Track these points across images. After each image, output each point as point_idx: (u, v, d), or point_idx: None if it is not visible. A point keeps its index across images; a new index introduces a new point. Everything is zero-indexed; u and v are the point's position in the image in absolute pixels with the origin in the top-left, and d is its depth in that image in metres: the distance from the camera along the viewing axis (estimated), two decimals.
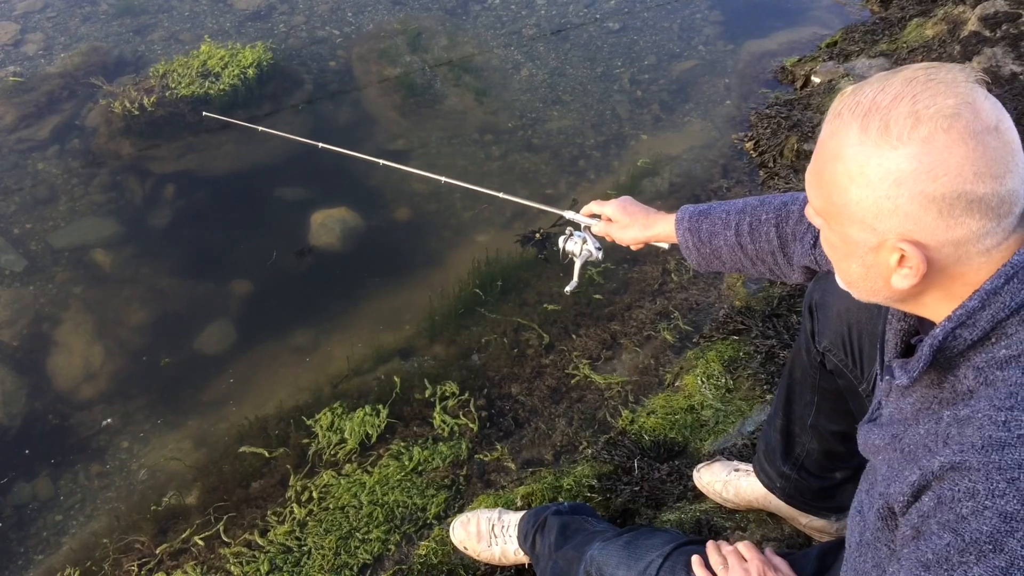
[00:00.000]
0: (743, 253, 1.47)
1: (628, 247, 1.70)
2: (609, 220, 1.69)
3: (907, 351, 1.06)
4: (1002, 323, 0.89)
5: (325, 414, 2.75)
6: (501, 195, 1.97)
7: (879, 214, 0.89)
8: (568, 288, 1.78)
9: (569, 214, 1.79)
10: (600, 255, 1.75)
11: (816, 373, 1.62)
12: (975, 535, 0.80)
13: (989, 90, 0.88)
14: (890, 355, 1.06)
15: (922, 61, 3.66)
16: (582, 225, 1.76)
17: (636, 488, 2.26)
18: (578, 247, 1.76)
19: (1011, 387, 0.85)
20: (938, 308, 0.94)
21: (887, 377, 1.04)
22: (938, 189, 0.85)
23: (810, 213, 1.03)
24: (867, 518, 1.01)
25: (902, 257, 0.90)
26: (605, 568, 1.55)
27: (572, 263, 1.79)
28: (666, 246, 1.64)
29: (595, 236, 1.75)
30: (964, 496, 0.82)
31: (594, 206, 1.72)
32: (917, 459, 0.93)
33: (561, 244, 1.80)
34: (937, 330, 0.92)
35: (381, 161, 2.24)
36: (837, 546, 1.37)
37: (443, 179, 2.08)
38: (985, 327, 0.89)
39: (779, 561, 1.41)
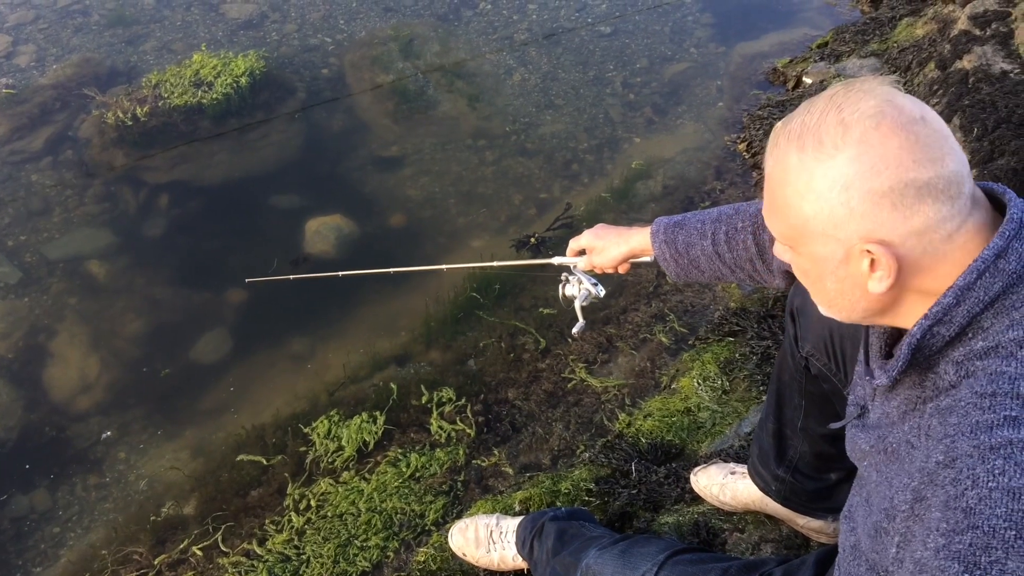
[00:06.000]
0: (721, 262, 1.47)
1: (617, 272, 1.69)
2: (590, 251, 1.68)
3: (891, 355, 1.06)
4: (977, 317, 0.89)
5: (322, 422, 2.75)
6: (496, 264, 2.02)
7: (837, 222, 0.90)
8: (575, 329, 1.77)
9: (557, 260, 1.79)
10: (599, 291, 1.73)
11: (802, 377, 1.62)
12: (992, 523, 0.76)
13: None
14: (874, 358, 1.06)
15: (913, 61, 3.63)
16: (572, 267, 1.76)
17: (634, 491, 2.27)
18: (576, 289, 1.76)
19: (991, 375, 0.85)
20: (917, 313, 0.94)
21: (867, 378, 1.04)
22: (884, 183, 0.86)
23: (779, 250, 1.05)
24: (862, 526, 1.01)
25: (872, 261, 0.90)
26: None
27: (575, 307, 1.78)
28: (649, 259, 1.62)
29: (586, 273, 1.75)
30: (967, 487, 0.80)
31: (572, 244, 1.72)
32: (901, 458, 0.93)
33: (560, 293, 1.79)
34: (915, 328, 0.92)
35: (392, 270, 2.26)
36: (833, 551, 1.37)
37: (445, 267, 2.17)
38: (961, 322, 0.90)
39: None
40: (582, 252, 1.71)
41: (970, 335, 0.90)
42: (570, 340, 2.97)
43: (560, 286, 1.80)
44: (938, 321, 0.91)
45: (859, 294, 0.95)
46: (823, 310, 1.04)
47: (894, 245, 0.89)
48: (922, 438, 0.90)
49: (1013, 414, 0.81)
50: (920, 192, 0.86)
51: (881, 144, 0.86)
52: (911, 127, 0.87)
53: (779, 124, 0.96)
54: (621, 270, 1.68)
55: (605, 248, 1.64)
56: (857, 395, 1.16)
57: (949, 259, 0.89)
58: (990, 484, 0.78)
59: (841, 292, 0.97)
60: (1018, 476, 0.77)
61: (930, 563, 0.80)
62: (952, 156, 0.87)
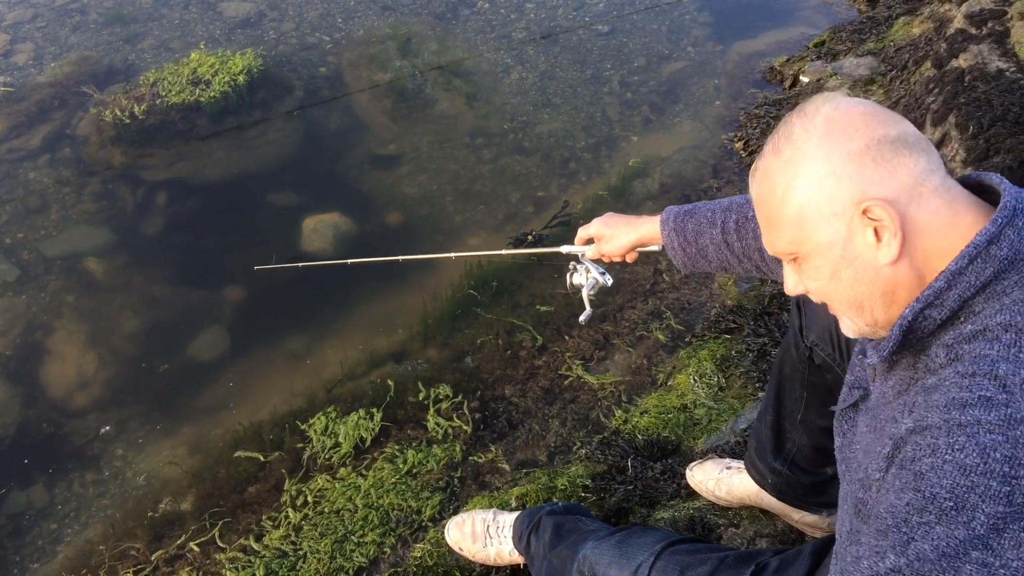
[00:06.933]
0: (729, 251, 1.48)
1: (624, 261, 1.69)
2: (599, 239, 1.69)
3: None
4: (968, 302, 0.91)
5: (319, 418, 2.76)
6: (505, 252, 2.17)
7: (829, 195, 0.95)
8: (582, 318, 1.78)
9: (565, 248, 1.79)
10: (607, 279, 1.73)
11: (805, 368, 1.63)
12: (935, 490, 0.80)
13: None
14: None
15: (909, 59, 3.64)
16: (580, 255, 1.76)
17: (630, 487, 2.27)
18: (583, 278, 1.76)
19: (975, 357, 0.87)
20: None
21: (860, 356, 1.06)
22: (859, 143, 0.94)
23: (791, 283, 1.08)
24: (848, 503, 1.02)
25: (876, 230, 0.93)
26: (598, 567, 1.56)
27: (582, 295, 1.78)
28: (657, 248, 1.63)
29: (594, 262, 1.75)
30: (925, 454, 0.83)
31: (581, 232, 1.72)
32: (885, 432, 0.94)
33: (568, 282, 1.80)
34: (906, 310, 0.94)
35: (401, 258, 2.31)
36: (830, 543, 1.37)
37: (454, 255, 2.21)
38: (952, 306, 0.92)
39: None
40: (590, 241, 1.72)
41: (961, 319, 0.92)
42: (566, 338, 2.97)
43: (568, 275, 1.80)
44: (929, 304, 0.93)
45: (872, 273, 0.96)
46: (852, 322, 1.03)
47: (888, 201, 0.92)
48: (906, 414, 0.92)
49: (988, 395, 0.83)
50: (895, 145, 0.93)
51: (844, 116, 0.96)
52: (864, 103, 0.98)
53: (753, 165, 1.05)
54: (629, 259, 1.68)
55: (614, 236, 1.65)
56: (856, 376, 1.17)
57: (946, 221, 0.92)
58: (946, 456, 0.81)
59: (857, 277, 0.97)
60: (975, 455, 0.80)
61: (879, 515, 0.85)
62: (910, 124, 0.96)
